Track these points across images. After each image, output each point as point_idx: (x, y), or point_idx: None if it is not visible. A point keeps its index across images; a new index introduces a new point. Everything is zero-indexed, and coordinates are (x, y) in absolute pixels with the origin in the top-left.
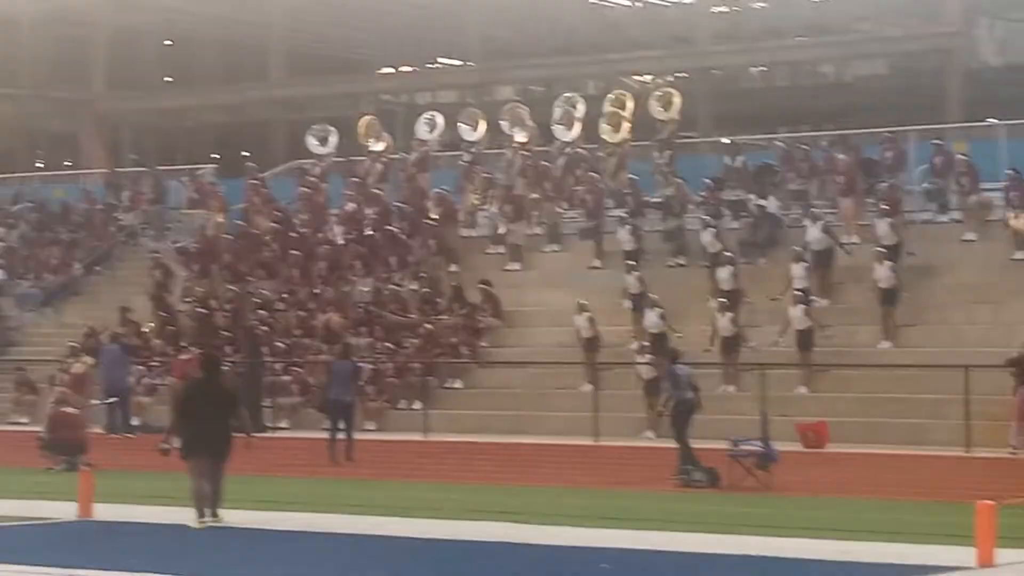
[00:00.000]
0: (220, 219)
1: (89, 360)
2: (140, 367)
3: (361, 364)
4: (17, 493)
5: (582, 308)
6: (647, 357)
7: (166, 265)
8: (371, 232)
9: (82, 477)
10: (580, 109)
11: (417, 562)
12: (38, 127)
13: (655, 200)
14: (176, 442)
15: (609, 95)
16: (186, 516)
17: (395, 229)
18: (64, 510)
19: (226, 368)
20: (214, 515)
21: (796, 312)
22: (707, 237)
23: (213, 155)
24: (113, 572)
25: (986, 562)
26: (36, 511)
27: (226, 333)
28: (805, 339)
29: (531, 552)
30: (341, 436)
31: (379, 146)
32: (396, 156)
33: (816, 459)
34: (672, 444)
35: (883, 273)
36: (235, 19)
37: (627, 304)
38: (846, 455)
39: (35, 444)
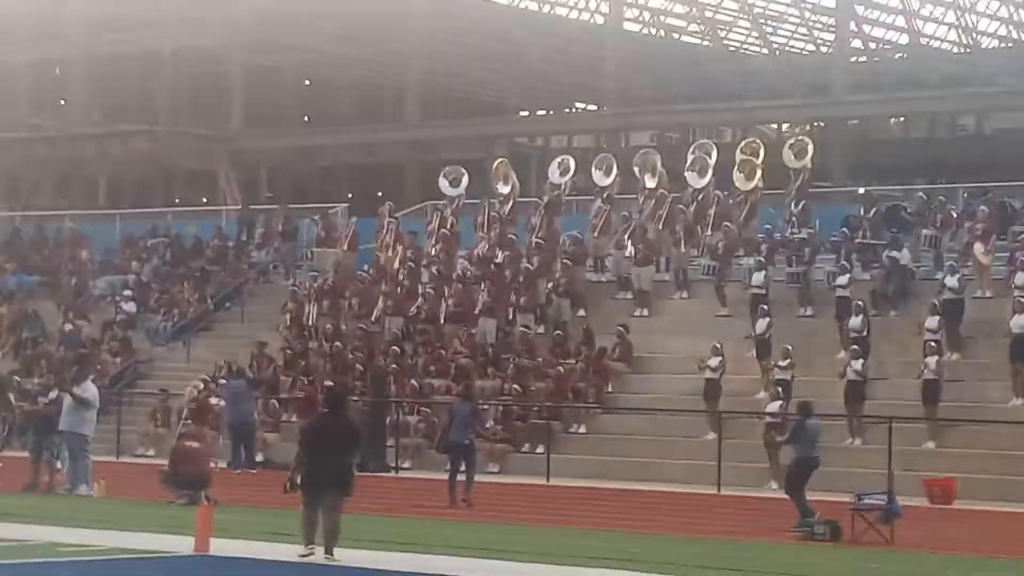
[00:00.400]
0: (351, 257)
1: (200, 384)
2: (271, 402)
3: (483, 406)
4: (137, 526)
5: (716, 351)
6: (776, 405)
7: (301, 300)
8: (501, 272)
9: (200, 511)
10: (713, 156)
11: None
12: (175, 163)
13: (797, 237)
14: (298, 478)
15: (742, 143)
16: (298, 551)
17: (528, 267)
18: (181, 544)
19: (353, 402)
20: (329, 553)
21: (930, 362)
22: (842, 281)
23: (348, 194)
24: None
25: None
26: (153, 544)
27: (357, 369)
28: (932, 391)
29: None
30: (461, 478)
31: (506, 188)
32: (525, 199)
33: (942, 516)
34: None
35: (1019, 321)
36: (373, 61)
37: (752, 352)
38: (973, 512)
39: (157, 477)
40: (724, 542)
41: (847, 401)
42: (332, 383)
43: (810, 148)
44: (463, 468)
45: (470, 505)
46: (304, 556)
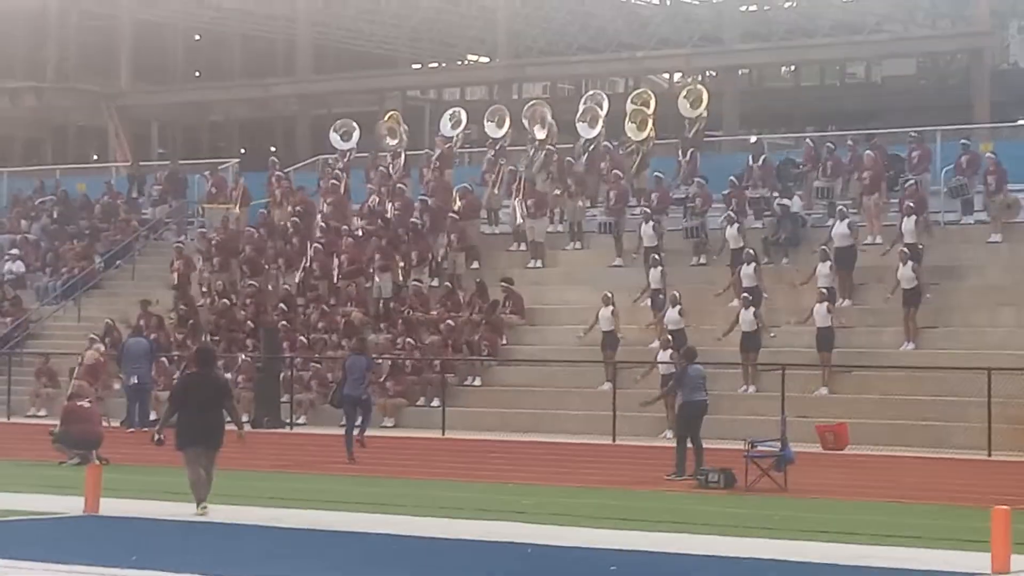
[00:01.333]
0: (240, 213)
1: (101, 347)
2: (163, 361)
3: (376, 360)
4: (27, 487)
5: (607, 301)
6: (667, 355)
7: (187, 258)
8: (392, 227)
9: (90, 471)
10: (604, 107)
11: (422, 561)
12: (64, 120)
13: (678, 197)
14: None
15: (633, 93)
16: (192, 511)
17: (417, 222)
18: (71, 505)
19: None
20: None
21: (820, 310)
22: (732, 232)
23: (239, 149)
24: (106, 569)
25: (1001, 568)
26: (43, 506)
27: (247, 326)
28: (826, 339)
29: (540, 553)
30: (357, 432)
31: (393, 142)
32: (417, 152)
33: (835, 461)
34: (690, 445)
35: (906, 274)
36: (263, 13)
37: (648, 300)
38: (865, 457)
39: (48, 437)
40: (619, 492)
41: (742, 349)
42: (203, 342)
43: (705, 96)
44: (359, 422)
45: (363, 446)
46: (199, 514)
